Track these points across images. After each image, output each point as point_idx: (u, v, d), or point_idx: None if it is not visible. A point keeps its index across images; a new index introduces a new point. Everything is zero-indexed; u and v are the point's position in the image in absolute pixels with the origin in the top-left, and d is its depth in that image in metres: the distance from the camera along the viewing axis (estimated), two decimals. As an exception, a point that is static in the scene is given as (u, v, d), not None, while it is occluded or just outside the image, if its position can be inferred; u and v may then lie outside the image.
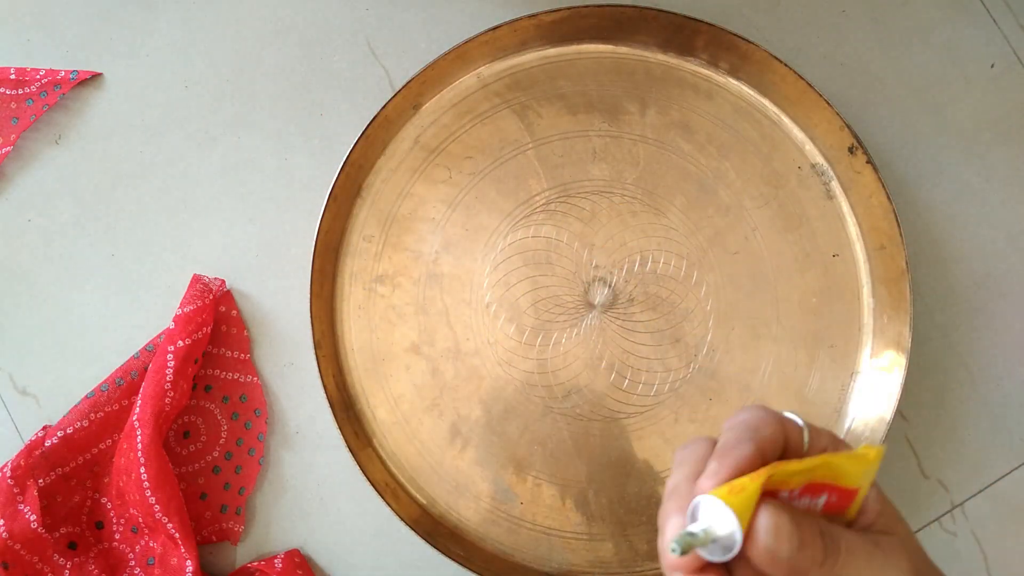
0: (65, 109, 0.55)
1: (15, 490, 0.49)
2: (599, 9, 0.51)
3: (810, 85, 0.50)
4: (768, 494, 0.28)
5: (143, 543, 0.51)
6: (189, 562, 0.49)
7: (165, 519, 0.48)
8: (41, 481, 0.50)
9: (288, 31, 0.55)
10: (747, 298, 0.52)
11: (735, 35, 0.50)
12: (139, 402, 0.50)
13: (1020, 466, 0.52)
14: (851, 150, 0.51)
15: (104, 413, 0.51)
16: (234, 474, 0.52)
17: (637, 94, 0.53)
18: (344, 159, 0.51)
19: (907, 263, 0.50)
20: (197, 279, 0.53)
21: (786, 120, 0.52)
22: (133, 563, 0.51)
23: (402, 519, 0.49)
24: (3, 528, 0.48)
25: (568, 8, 0.51)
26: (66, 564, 0.50)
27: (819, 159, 0.52)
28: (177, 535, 0.49)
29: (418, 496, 0.51)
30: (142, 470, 0.48)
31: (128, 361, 0.52)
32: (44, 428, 0.52)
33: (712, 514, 0.27)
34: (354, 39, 0.55)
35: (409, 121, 0.53)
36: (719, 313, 0.52)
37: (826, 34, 0.54)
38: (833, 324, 0.51)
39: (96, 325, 0.54)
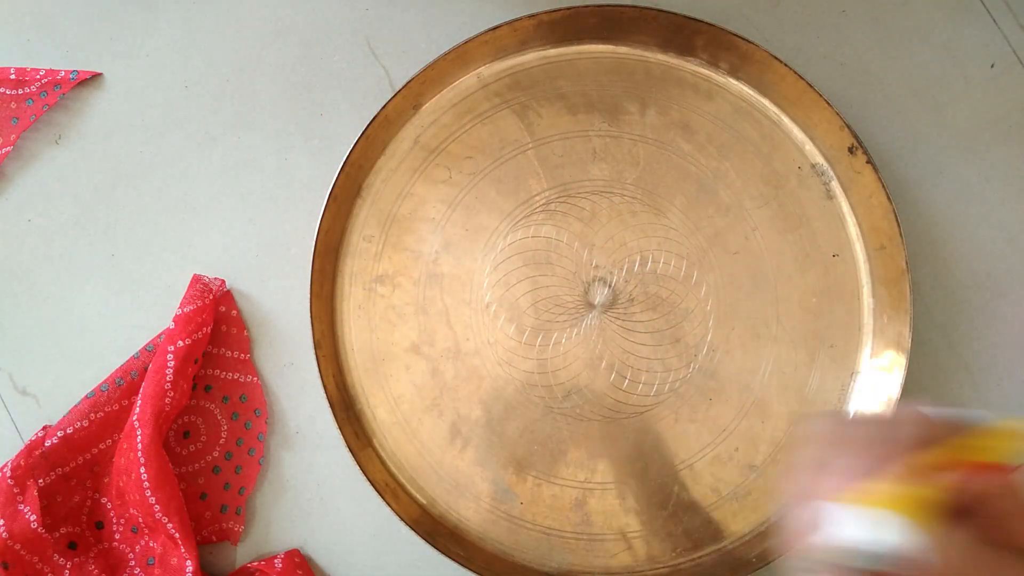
0: (65, 109, 0.55)
1: (15, 490, 0.49)
2: (599, 9, 0.51)
3: (810, 85, 0.50)
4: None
5: (143, 543, 0.51)
6: (189, 562, 0.49)
7: (165, 519, 0.48)
8: (41, 481, 0.50)
9: (288, 31, 0.55)
10: (747, 298, 0.52)
11: (735, 35, 0.50)
12: (139, 402, 0.50)
13: (1020, 466, 0.52)
14: (851, 150, 0.51)
15: (104, 413, 0.51)
16: (234, 474, 0.52)
17: (637, 94, 0.53)
18: (344, 159, 0.51)
19: (907, 263, 0.50)
20: (197, 279, 0.53)
21: (786, 120, 0.52)
22: (133, 563, 0.51)
23: (402, 519, 0.49)
24: (3, 528, 0.48)
25: (568, 8, 0.51)
26: (66, 564, 0.50)
27: (819, 159, 0.52)
28: (177, 535, 0.49)
29: (418, 496, 0.51)
30: (142, 470, 0.48)
31: (128, 361, 0.52)
32: (44, 428, 0.52)
33: (877, 525, 0.22)
34: (354, 39, 0.55)
35: (409, 121, 0.53)
36: (719, 313, 0.52)
37: (826, 34, 0.54)
38: (833, 324, 0.51)
39: (96, 325, 0.54)
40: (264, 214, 0.54)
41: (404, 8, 0.55)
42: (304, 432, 0.53)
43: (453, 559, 0.49)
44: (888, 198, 0.50)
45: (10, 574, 0.49)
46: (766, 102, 0.52)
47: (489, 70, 0.53)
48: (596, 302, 0.52)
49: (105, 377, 0.52)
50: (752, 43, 0.50)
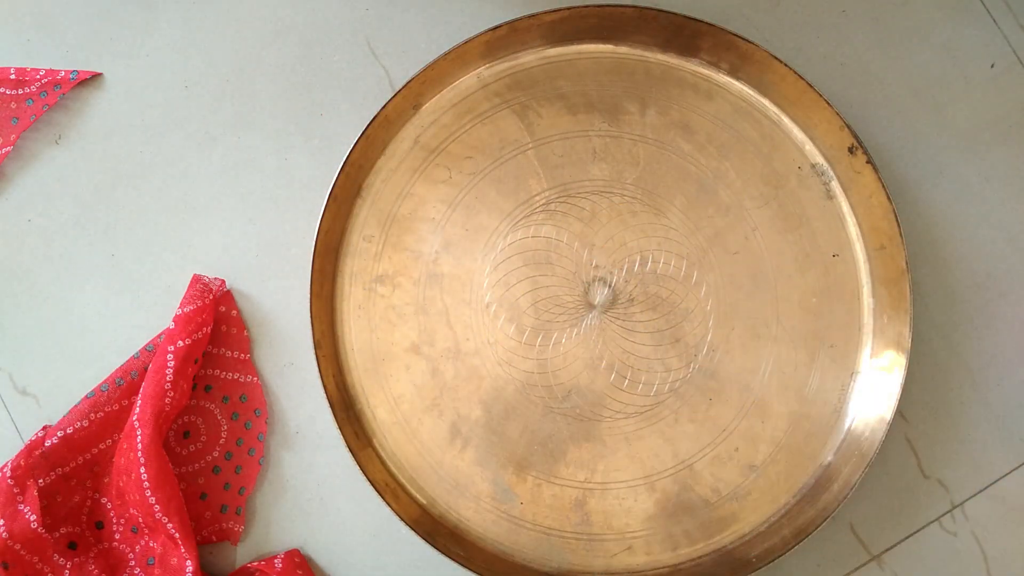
0: (65, 109, 0.55)
1: (15, 490, 0.49)
2: (599, 9, 0.51)
3: (810, 85, 0.50)
4: None
5: (143, 543, 0.51)
6: (189, 562, 0.49)
7: (165, 519, 0.48)
8: (41, 481, 0.50)
9: (288, 31, 0.55)
10: (747, 298, 0.52)
11: (735, 35, 0.50)
12: (139, 402, 0.50)
13: (1020, 466, 0.52)
14: (851, 150, 0.51)
15: (104, 413, 0.51)
16: (234, 474, 0.52)
17: (637, 94, 0.53)
18: (344, 159, 0.51)
19: (907, 263, 0.50)
20: (197, 279, 0.53)
21: (786, 120, 0.52)
22: (133, 563, 0.51)
23: (402, 519, 0.49)
24: (3, 528, 0.48)
25: (568, 8, 0.51)
26: (66, 564, 0.50)
27: (819, 159, 0.52)
28: (177, 535, 0.49)
29: (418, 496, 0.51)
30: (142, 470, 0.48)
31: (128, 361, 0.52)
32: (44, 428, 0.52)
33: None
34: (354, 39, 0.55)
35: (409, 121, 0.53)
36: (719, 313, 0.52)
37: (826, 34, 0.54)
38: (833, 324, 0.51)
39: (96, 325, 0.54)
40: (264, 214, 0.54)
41: (404, 8, 0.55)
42: (304, 432, 0.53)
43: (453, 559, 0.49)
44: (888, 198, 0.50)
45: (10, 574, 0.49)
46: (766, 102, 0.52)
47: (489, 70, 0.53)
48: (596, 302, 0.52)
49: (105, 377, 0.52)
50: (752, 43, 0.50)
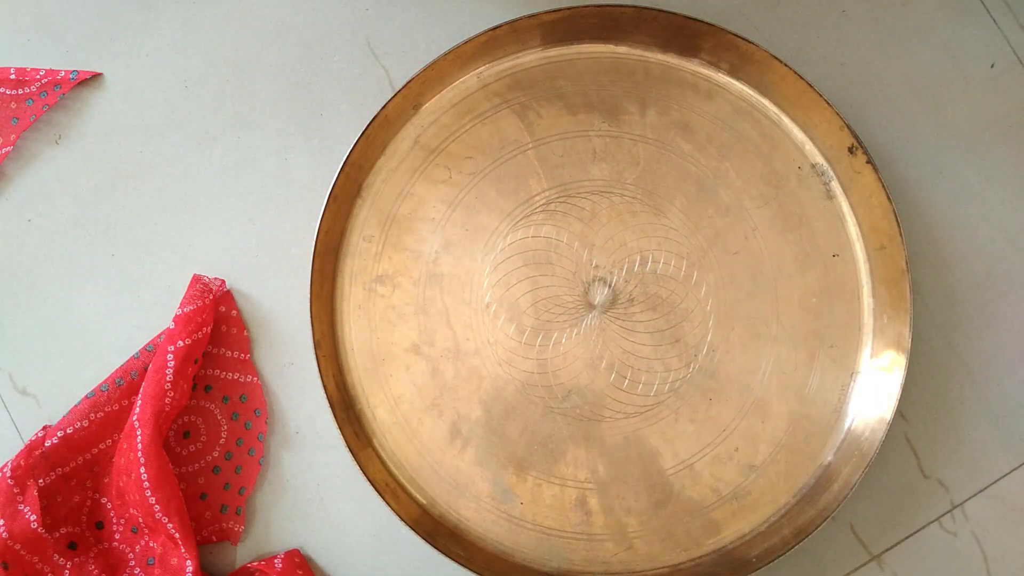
0: (65, 109, 0.55)
1: (15, 490, 0.49)
2: (599, 9, 0.51)
3: (810, 85, 0.50)
4: None
5: (143, 543, 0.51)
6: (189, 562, 0.49)
7: (165, 519, 0.48)
8: (41, 481, 0.50)
9: (288, 31, 0.55)
10: (747, 298, 0.52)
11: (735, 35, 0.50)
12: (139, 402, 0.50)
13: (1020, 466, 0.52)
14: (851, 150, 0.51)
15: (104, 413, 0.51)
16: (234, 474, 0.52)
17: (637, 94, 0.53)
18: (344, 159, 0.51)
19: (907, 263, 0.50)
20: (197, 279, 0.53)
21: (786, 120, 0.52)
22: (133, 563, 0.51)
23: (402, 519, 0.49)
24: (3, 528, 0.48)
25: (568, 8, 0.51)
26: (66, 564, 0.50)
27: (819, 159, 0.52)
28: (177, 535, 0.49)
29: (418, 496, 0.51)
30: (142, 470, 0.48)
31: (128, 361, 0.52)
32: (44, 428, 0.52)
33: None
34: (354, 39, 0.55)
35: (409, 121, 0.53)
36: (719, 313, 0.52)
37: (826, 34, 0.54)
38: (833, 324, 0.51)
39: (96, 325, 0.54)
40: (264, 214, 0.54)
41: (404, 8, 0.55)
42: (304, 432, 0.53)
43: (453, 559, 0.49)
44: (888, 198, 0.50)
45: (10, 574, 0.49)
46: (766, 102, 0.52)
47: (489, 70, 0.53)
48: (596, 302, 0.52)
49: (105, 377, 0.52)
50: (752, 43, 0.50)
